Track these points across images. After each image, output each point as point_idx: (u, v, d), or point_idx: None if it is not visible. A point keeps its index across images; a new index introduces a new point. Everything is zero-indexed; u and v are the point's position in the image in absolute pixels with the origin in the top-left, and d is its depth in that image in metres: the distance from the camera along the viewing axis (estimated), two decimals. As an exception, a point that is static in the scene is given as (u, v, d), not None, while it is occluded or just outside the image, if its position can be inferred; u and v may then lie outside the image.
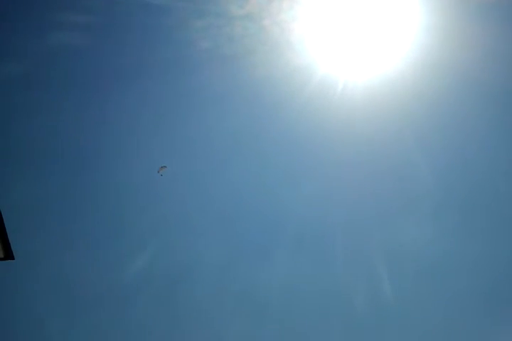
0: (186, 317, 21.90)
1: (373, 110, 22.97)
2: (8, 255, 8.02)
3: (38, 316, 20.27)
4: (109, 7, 22.70)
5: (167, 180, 24.17)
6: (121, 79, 23.94)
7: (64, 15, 21.73)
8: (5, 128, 20.41)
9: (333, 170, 24.29)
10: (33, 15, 21.28)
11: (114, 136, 23.81)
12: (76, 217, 22.25)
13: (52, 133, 22.75)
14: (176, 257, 22.88)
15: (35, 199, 20.84)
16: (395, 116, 23.11)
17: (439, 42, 21.11)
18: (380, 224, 24.11)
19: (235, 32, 22.81)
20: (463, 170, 24.35)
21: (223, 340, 21.97)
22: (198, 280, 22.61)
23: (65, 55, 22.84)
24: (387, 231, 23.90)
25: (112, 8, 22.78)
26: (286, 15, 22.26)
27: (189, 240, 23.24)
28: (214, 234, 23.56)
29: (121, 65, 23.72)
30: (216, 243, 23.38)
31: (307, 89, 22.81)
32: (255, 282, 22.94)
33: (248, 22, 22.64)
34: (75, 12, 22.00)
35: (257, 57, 23.09)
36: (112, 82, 23.84)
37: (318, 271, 23.06)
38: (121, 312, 21.32)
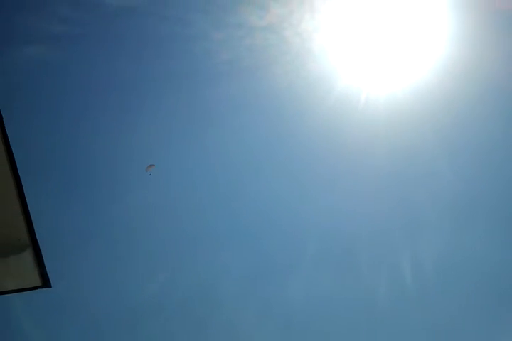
0: (209, 336, 21.43)
1: (396, 122, 22.63)
2: (46, 283, 7.65)
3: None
4: (127, 19, 22.50)
5: (185, 194, 23.85)
6: (139, 91, 23.70)
7: (77, 28, 21.56)
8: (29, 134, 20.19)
9: (354, 182, 23.92)
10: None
11: (129, 148, 23.53)
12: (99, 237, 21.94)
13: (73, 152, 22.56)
14: (197, 274, 22.49)
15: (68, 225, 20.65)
16: (419, 128, 22.76)
17: (466, 54, 20.75)
18: (404, 235, 23.66)
19: (255, 43, 22.52)
20: (489, 181, 23.90)
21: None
22: (220, 297, 22.18)
23: (82, 66, 22.64)
24: (412, 243, 23.45)
25: (130, 20, 22.58)
26: (307, 26, 21.98)
27: (209, 257, 22.85)
28: (234, 250, 23.18)
29: (140, 76, 23.50)
30: (237, 259, 22.99)
31: (329, 100, 22.53)
32: (279, 298, 22.49)
33: (268, 33, 22.35)
34: (88, 24, 21.80)
35: (277, 68, 22.84)
36: (129, 93, 23.59)
37: (341, 286, 22.58)
38: (144, 334, 20.90)
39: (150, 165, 20.14)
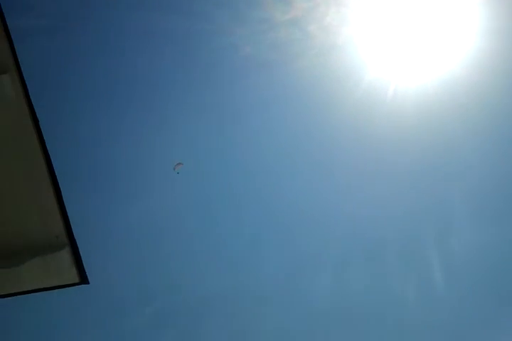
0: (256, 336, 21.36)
1: (427, 116, 22.24)
2: (84, 280, 7.88)
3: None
4: (152, 14, 22.62)
5: (215, 190, 23.93)
6: (162, 86, 23.81)
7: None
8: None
9: (386, 175, 23.66)
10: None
11: (155, 144, 23.70)
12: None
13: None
14: (238, 274, 22.47)
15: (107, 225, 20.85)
16: (450, 123, 22.28)
17: (496, 45, 20.21)
18: (438, 229, 23.29)
19: (280, 37, 22.42)
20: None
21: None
22: (263, 297, 22.09)
23: (107, 62, 22.86)
24: (447, 236, 23.05)
25: (155, 15, 22.70)
26: (333, 20, 21.76)
27: (249, 255, 22.83)
28: (274, 248, 23.09)
29: (164, 70, 23.61)
30: (277, 256, 22.90)
31: (356, 94, 22.29)
32: (323, 295, 22.27)
33: (293, 27, 22.22)
34: (113, 20, 21.97)
35: (303, 62, 22.70)
36: (154, 87, 23.72)
37: (377, 282, 22.34)
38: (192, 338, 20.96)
39: (178, 164, 20.32)
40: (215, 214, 23.70)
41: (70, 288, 7.96)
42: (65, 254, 7.73)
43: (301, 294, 22.62)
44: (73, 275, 7.80)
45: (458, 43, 21.33)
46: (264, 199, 24.51)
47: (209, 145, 23.85)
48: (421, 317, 22.45)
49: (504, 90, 21.39)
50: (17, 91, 6.35)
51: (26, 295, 7.68)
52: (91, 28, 21.76)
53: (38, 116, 6.81)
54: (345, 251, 23.15)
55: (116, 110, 23.52)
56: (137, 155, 23.28)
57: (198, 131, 23.96)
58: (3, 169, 7.02)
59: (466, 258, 22.87)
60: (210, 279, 22.15)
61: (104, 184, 22.80)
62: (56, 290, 8.28)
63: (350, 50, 22.03)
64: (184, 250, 22.82)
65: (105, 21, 21.57)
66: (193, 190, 23.29)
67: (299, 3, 21.61)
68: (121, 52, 22.81)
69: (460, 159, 23.39)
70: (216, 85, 23.55)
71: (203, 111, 23.80)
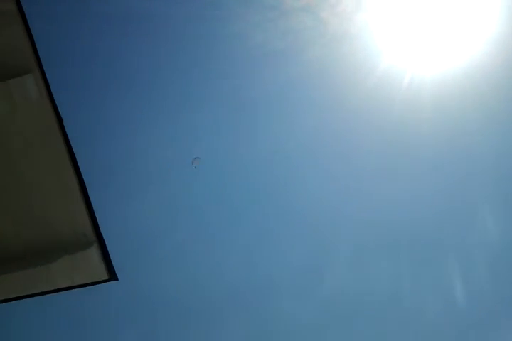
0: (275, 330, 21.36)
1: (443, 106, 21.80)
2: (113, 276, 7.93)
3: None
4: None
5: (237, 182, 23.88)
6: (174, 73, 23.52)
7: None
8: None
9: (398, 167, 23.38)
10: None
11: (173, 139, 23.67)
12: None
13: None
14: (258, 265, 22.40)
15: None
16: (467, 113, 21.80)
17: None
18: (452, 224, 22.98)
19: (293, 25, 22.10)
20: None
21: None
22: (284, 290, 21.99)
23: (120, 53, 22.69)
24: (469, 222, 22.70)
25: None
26: (347, 6, 21.41)
27: (271, 247, 22.74)
28: (297, 239, 22.98)
29: (174, 59, 23.31)
30: (300, 247, 22.78)
31: (371, 82, 21.98)
32: (347, 287, 22.08)
33: (306, 14, 21.90)
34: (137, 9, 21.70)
35: (316, 50, 22.38)
36: (164, 77, 23.51)
37: (402, 278, 22.00)
38: (208, 331, 21.02)
39: (195, 159, 20.33)
40: (234, 206, 23.70)
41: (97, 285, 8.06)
42: (94, 251, 7.79)
43: (322, 285, 22.59)
44: (102, 272, 7.86)
45: (475, 30, 20.86)
46: (284, 189, 24.41)
47: (220, 135, 23.67)
48: (444, 307, 22.28)
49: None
50: (40, 90, 6.35)
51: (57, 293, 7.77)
52: (104, 17, 21.57)
53: (61, 114, 6.81)
54: (365, 239, 23.01)
55: (133, 104, 23.43)
56: (156, 149, 23.30)
57: (208, 120, 23.72)
58: (30, 170, 7.06)
59: (489, 245, 22.60)
60: (231, 271, 22.22)
61: (123, 179, 22.86)
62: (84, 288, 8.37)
63: (365, 37, 21.70)
64: (206, 242, 22.88)
65: (119, 12, 21.40)
66: (211, 182, 23.29)
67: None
68: (131, 43, 22.63)
69: (478, 148, 22.99)
70: (227, 74, 23.29)
71: (213, 100, 23.55)
